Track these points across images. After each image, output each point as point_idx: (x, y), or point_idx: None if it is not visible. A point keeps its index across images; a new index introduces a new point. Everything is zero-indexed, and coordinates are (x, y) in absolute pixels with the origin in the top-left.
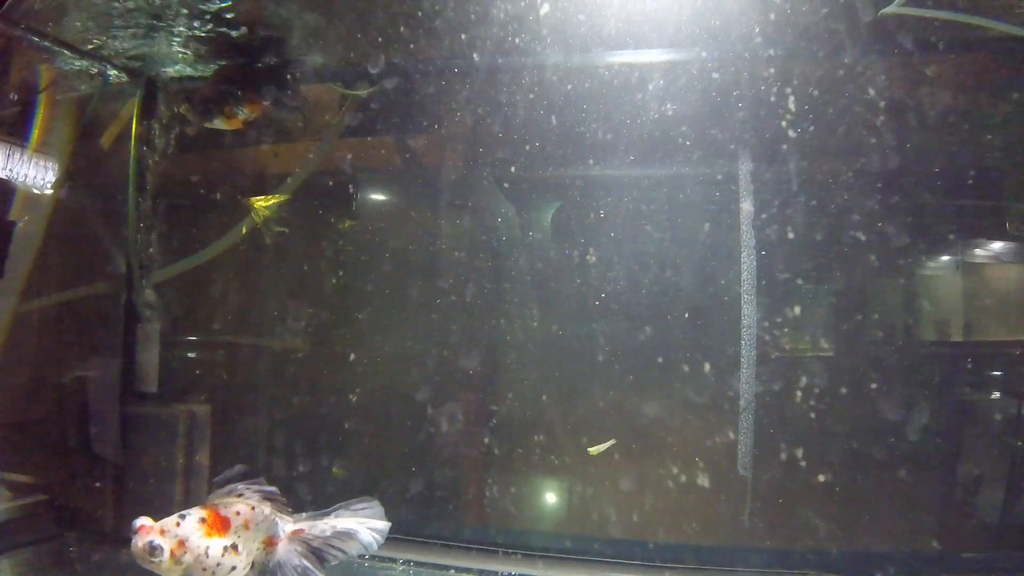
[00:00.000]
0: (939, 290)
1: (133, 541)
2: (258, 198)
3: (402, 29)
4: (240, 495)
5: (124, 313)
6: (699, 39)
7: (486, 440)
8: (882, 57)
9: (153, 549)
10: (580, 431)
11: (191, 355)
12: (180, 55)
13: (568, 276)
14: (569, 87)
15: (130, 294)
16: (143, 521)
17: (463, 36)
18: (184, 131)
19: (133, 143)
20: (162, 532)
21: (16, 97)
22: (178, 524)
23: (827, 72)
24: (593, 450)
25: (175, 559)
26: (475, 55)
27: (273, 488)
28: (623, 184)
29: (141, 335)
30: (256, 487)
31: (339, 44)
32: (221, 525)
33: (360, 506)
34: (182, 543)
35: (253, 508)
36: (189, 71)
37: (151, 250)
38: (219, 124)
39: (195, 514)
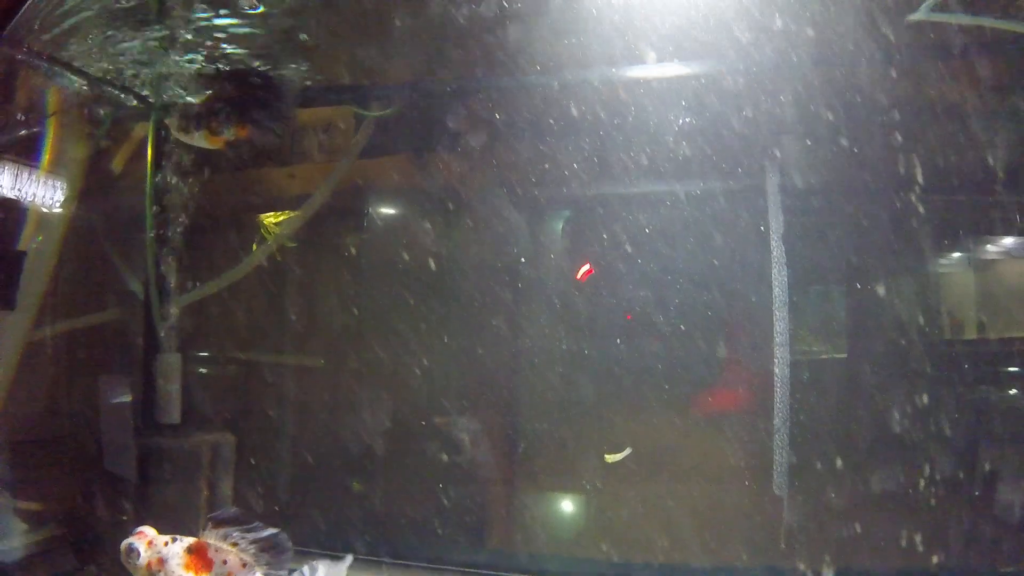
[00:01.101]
0: (984, 297)
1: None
2: (267, 215)
3: (417, 49)
4: (236, 543)
5: (144, 341)
6: (722, 51)
7: (509, 459)
8: (906, 61)
9: (131, 551)
10: (604, 449)
11: (210, 379)
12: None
13: (587, 290)
14: (590, 102)
15: (149, 321)
16: (144, 527)
17: (479, 54)
18: (200, 153)
19: (150, 166)
20: (150, 543)
21: (25, 119)
22: (167, 544)
23: (852, 79)
24: (610, 458)
25: (149, 571)
26: (492, 72)
27: (272, 531)
28: (648, 200)
29: (163, 365)
30: (252, 535)
31: (354, 65)
32: (202, 565)
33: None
34: (161, 561)
35: (244, 564)
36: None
37: (171, 275)
38: (201, 141)
39: (186, 542)
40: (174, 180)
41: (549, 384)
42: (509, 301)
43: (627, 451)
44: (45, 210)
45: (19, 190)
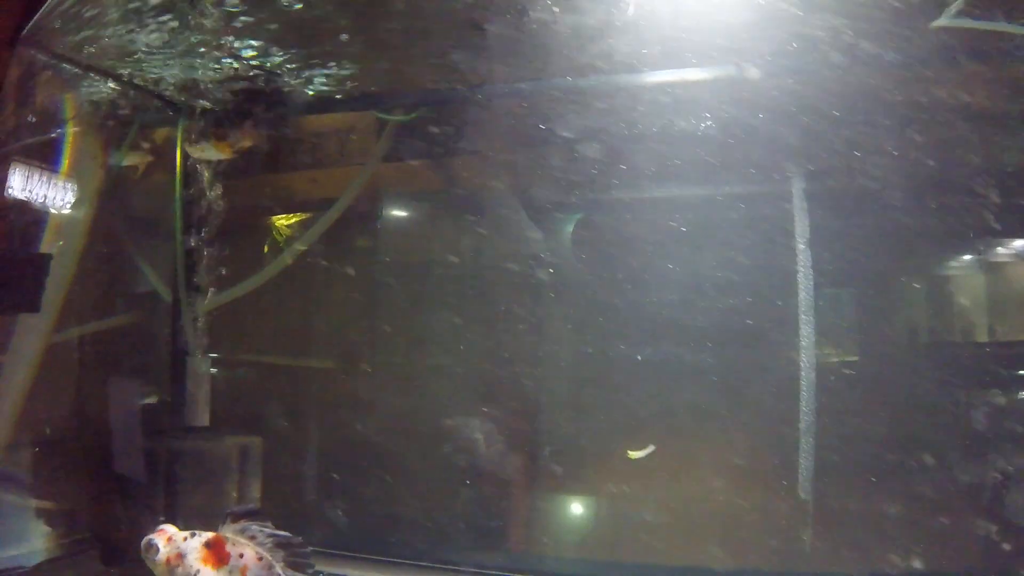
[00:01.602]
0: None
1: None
2: (279, 217)
3: (440, 55)
4: (253, 537)
5: (170, 343)
6: (744, 54)
7: (533, 464)
8: (927, 66)
9: (150, 547)
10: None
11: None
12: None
13: (604, 294)
14: (611, 108)
15: (176, 324)
16: (165, 525)
17: (501, 61)
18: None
19: (179, 171)
20: (169, 539)
21: (44, 121)
22: (185, 539)
23: (873, 82)
24: (633, 454)
25: (168, 566)
26: (513, 80)
27: (284, 533)
28: (670, 204)
29: (191, 368)
30: (268, 532)
31: (377, 70)
32: (218, 558)
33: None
34: (179, 556)
35: (260, 559)
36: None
37: (198, 278)
38: (211, 152)
39: (204, 537)
40: (199, 184)
41: (572, 386)
42: (530, 304)
43: (650, 448)
44: (66, 213)
45: (40, 193)
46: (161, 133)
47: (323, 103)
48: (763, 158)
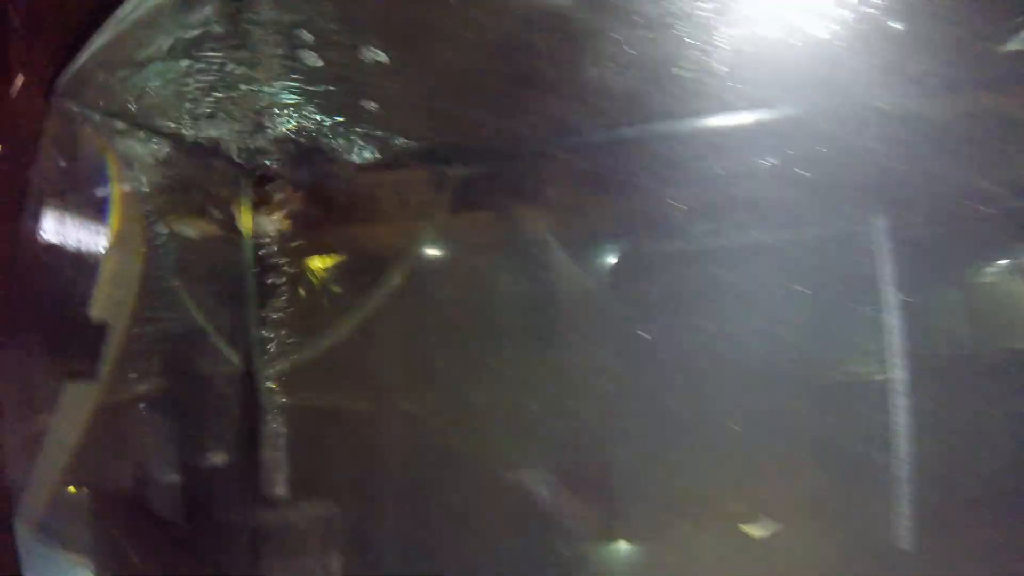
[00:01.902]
0: None
1: None
2: (314, 258)
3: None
4: None
5: (242, 405)
6: (816, 91)
7: (604, 518)
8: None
9: None
10: (709, 509)
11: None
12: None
13: (685, 343)
14: (680, 151)
15: (251, 385)
16: None
17: (562, 111)
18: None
19: (246, 227)
20: None
21: (90, 176)
22: None
23: (946, 112)
24: (750, 530)
25: None
26: (578, 128)
27: None
28: (751, 249)
29: (269, 432)
30: None
31: (436, 123)
32: None
33: None
34: None
35: None
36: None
37: (272, 336)
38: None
39: None
40: (264, 240)
41: (649, 438)
42: (607, 354)
43: (767, 523)
44: (118, 274)
45: (90, 253)
46: (217, 195)
47: (382, 161)
48: (840, 197)
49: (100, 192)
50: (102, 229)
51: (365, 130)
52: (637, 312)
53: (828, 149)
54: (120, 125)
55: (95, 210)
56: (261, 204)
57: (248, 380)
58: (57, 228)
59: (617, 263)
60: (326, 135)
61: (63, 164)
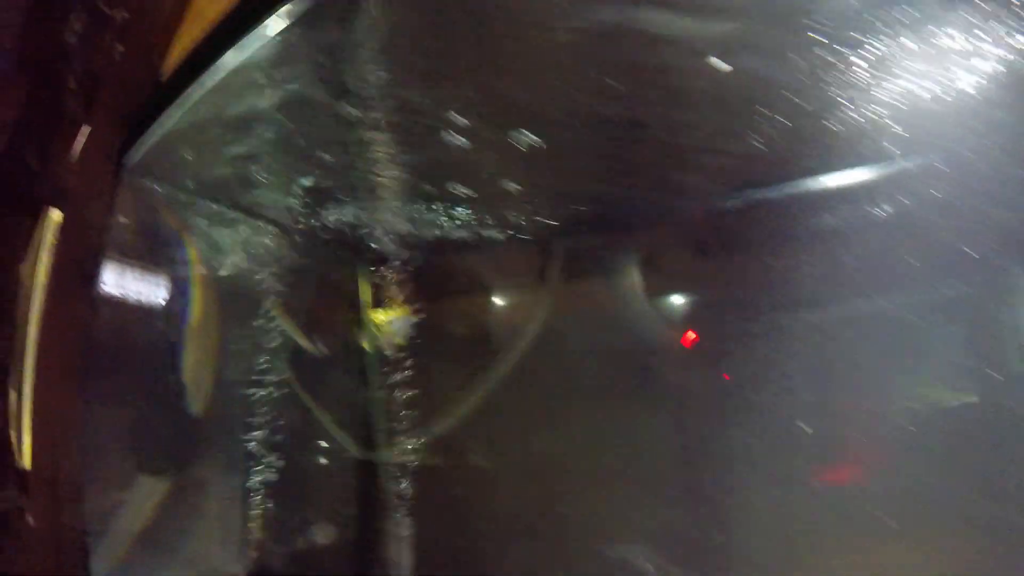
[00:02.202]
0: None
1: None
2: (378, 311)
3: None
4: None
5: (363, 485)
6: (925, 145)
7: None
8: None
9: None
10: None
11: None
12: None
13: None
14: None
15: (369, 475)
16: None
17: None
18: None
19: (367, 311)
20: None
21: (164, 259)
22: None
23: None
24: None
25: None
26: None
27: None
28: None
29: (391, 530)
30: None
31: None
32: None
33: None
34: None
35: None
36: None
37: (401, 413)
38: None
39: None
40: (377, 320)
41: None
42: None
43: None
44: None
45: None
46: (332, 280)
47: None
48: (980, 248)
49: (177, 273)
50: (179, 313)
51: (499, 211)
52: (773, 383)
53: (971, 199)
54: (214, 207)
55: (179, 304)
56: (378, 288)
57: (368, 468)
58: (130, 309)
59: (750, 330)
60: (445, 217)
61: (137, 240)
